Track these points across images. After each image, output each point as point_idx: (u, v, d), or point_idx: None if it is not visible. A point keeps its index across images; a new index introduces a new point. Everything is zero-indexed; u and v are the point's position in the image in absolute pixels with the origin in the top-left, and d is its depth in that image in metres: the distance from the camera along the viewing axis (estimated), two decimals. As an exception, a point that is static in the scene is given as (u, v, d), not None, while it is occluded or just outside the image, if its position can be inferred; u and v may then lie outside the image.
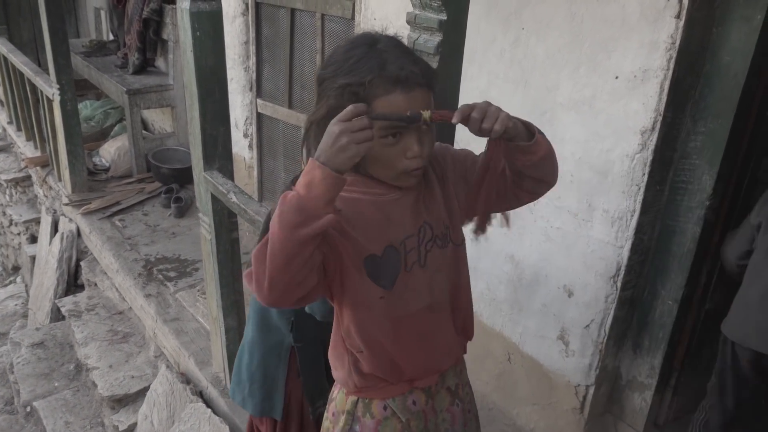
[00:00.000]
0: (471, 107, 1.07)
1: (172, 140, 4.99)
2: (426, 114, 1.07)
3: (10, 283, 5.26)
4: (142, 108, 4.74)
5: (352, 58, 1.11)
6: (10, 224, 5.31)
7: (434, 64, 1.45)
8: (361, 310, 1.21)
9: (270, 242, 1.01)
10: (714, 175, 1.93)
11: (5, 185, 5.43)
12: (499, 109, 1.07)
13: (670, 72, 1.83)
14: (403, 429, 1.31)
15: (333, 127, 0.99)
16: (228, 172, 2.29)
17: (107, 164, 4.82)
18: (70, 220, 4.35)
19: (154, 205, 4.47)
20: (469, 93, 1.59)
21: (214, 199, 2.25)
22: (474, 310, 2.45)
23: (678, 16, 1.77)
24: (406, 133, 1.11)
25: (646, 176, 1.96)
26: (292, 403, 1.88)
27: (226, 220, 2.32)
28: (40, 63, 5.07)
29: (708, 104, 1.90)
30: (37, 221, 4.90)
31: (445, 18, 1.43)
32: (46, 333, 3.77)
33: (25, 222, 5.02)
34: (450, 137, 1.60)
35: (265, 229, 1.04)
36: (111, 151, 4.83)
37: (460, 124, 1.09)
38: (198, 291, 3.44)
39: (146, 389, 3.07)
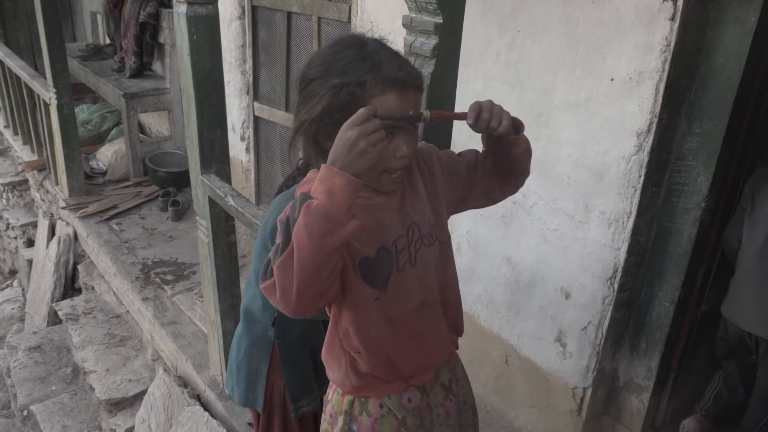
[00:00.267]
0: (479, 107, 1.10)
1: (169, 144, 4.98)
2: (427, 114, 1.09)
3: (7, 287, 5.24)
4: (139, 112, 4.73)
5: (344, 59, 1.11)
6: (7, 228, 5.29)
7: (430, 67, 1.46)
8: (358, 311, 1.22)
9: (297, 253, 0.99)
10: (710, 176, 1.94)
11: (2, 189, 5.42)
12: (501, 107, 1.12)
13: (665, 74, 1.83)
14: (399, 426, 1.32)
15: (348, 133, 0.99)
16: (225, 175, 2.29)
17: (104, 168, 4.82)
18: (67, 223, 4.34)
19: (152, 208, 4.47)
20: (465, 96, 1.59)
21: (212, 203, 2.25)
22: (471, 313, 2.45)
23: (672, 19, 1.77)
24: (396, 134, 1.12)
25: (642, 178, 1.97)
26: (275, 397, 1.88)
27: (223, 223, 2.32)
28: (37, 67, 5.06)
29: (703, 106, 1.90)
30: (34, 225, 4.90)
31: (441, 21, 1.43)
32: (43, 337, 3.77)
33: (22, 226, 5.02)
34: (448, 137, 1.61)
35: (287, 237, 1.02)
36: (108, 155, 4.83)
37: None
38: (195, 294, 3.44)
39: (144, 393, 3.06)
